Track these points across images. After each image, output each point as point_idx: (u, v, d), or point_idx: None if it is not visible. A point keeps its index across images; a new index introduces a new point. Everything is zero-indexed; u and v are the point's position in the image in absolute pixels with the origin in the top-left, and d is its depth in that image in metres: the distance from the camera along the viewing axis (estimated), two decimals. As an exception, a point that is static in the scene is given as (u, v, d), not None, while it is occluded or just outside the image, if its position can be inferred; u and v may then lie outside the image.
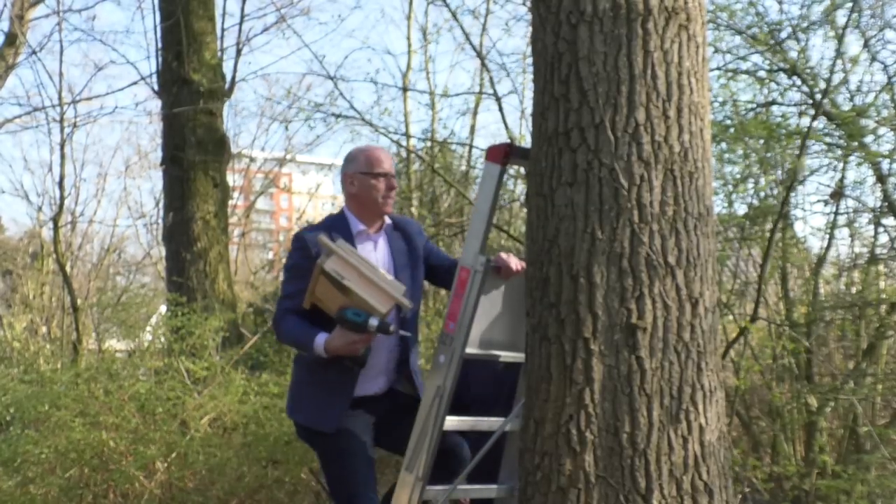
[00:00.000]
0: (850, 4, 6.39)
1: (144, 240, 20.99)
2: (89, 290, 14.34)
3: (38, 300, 14.10)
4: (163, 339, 7.77)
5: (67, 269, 11.34)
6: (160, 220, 13.81)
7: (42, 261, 14.71)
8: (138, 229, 21.89)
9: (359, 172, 3.83)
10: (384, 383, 3.87)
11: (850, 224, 6.98)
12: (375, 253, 3.84)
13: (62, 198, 11.17)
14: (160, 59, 9.76)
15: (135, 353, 8.46)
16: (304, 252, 3.70)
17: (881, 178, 6.41)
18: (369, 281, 3.50)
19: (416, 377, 3.91)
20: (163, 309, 11.45)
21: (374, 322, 3.49)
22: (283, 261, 19.62)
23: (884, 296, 6.61)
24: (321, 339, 3.59)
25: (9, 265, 17.26)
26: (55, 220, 10.68)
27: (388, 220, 3.93)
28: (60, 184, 11.06)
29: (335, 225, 3.84)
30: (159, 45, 9.74)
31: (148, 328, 11.53)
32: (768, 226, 6.61)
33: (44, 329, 13.55)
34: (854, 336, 6.61)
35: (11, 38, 13.84)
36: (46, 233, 15.61)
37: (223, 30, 10.48)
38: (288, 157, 19.46)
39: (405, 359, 3.88)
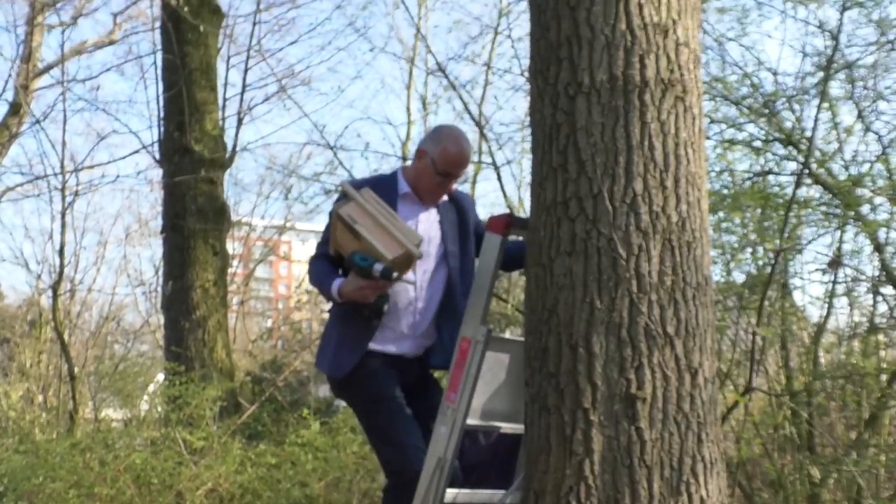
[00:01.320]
0: (842, 76, 6.47)
1: (143, 308, 20.93)
2: (87, 359, 14.27)
3: (35, 368, 14.03)
4: (160, 409, 7.73)
5: (65, 337, 11.31)
6: (159, 288, 13.80)
7: (40, 329, 14.67)
8: (137, 297, 21.86)
9: (430, 157, 3.81)
10: (411, 347, 3.82)
11: (848, 293, 6.99)
12: (420, 218, 3.84)
13: (62, 266, 11.19)
14: (162, 128, 9.86)
15: (131, 423, 8.40)
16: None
17: (878, 247, 6.43)
18: (382, 228, 3.50)
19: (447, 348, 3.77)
20: (160, 377, 11.40)
21: (378, 268, 3.47)
22: (283, 329, 19.56)
23: (884, 365, 6.59)
24: (337, 283, 3.63)
25: (6, 333, 17.19)
26: (54, 287, 10.69)
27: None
28: (61, 252, 11.10)
29: (382, 181, 3.87)
30: (161, 114, 9.85)
31: (145, 397, 11.46)
32: (768, 294, 6.61)
33: (40, 398, 13.45)
34: (856, 406, 6.57)
35: (16, 108, 14.00)
36: (45, 300, 15.59)
37: (225, 99, 10.62)
38: (287, 224, 19.52)
39: (440, 326, 3.83)
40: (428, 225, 3.85)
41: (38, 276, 17.14)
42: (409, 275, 3.71)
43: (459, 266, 3.83)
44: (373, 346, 3.74)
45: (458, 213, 3.94)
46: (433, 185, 3.82)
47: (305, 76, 16.14)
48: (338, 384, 3.87)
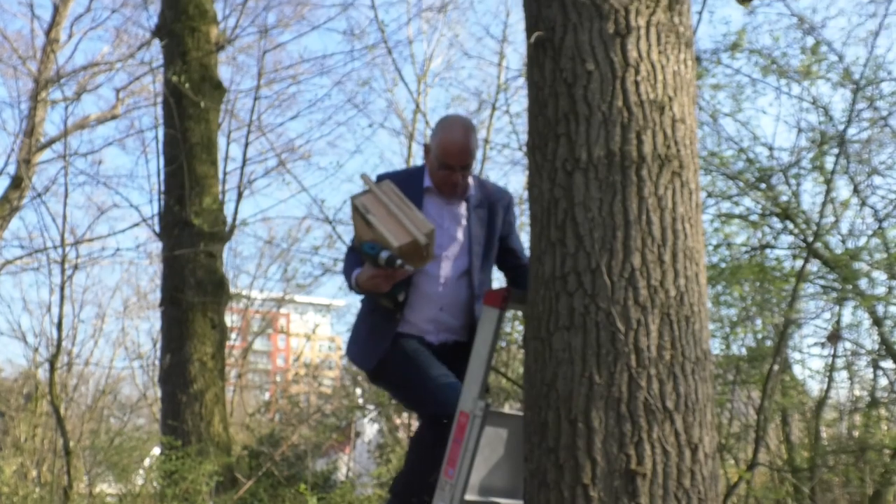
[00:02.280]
0: (837, 151, 6.54)
1: (140, 381, 20.84)
2: (82, 433, 14.15)
3: (29, 443, 13.90)
4: (156, 484, 7.64)
5: (61, 410, 11.22)
6: (157, 361, 13.75)
7: (36, 402, 14.57)
8: (134, 370, 21.74)
9: (432, 153, 3.82)
10: (435, 339, 3.83)
11: (848, 367, 6.97)
12: (446, 214, 3.83)
13: (59, 339, 11.15)
14: (162, 201, 9.91)
15: (127, 498, 8.30)
16: None
17: (877, 321, 6.43)
18: (394, 217, 3.51)
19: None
20: (157, 452, 11.29)
21: (384, 255, 3.48)
22: (280, 402, 19.42)
23: (887, 440, 6.54)
24: (356, 273, 3.65)
25: (2, 407, 17.08)
26: (52, 361, 10.64)
27: (470, 190, 3.89)
28: (59, 325, 11.06)
29: (410, 175, 3.89)
30: (162, 188, 9.91)
31: (141, 472, 11.34)
32: (767, 367, 6.59)
33: (34, 473, 13.31)
34: (859, 482, 6.51)
35: (17, 182, 14.10)
36: (42, 374, 15.51)
37: (225, 173, 10.69)
38: (286, 297, 19.52)
39: (467, 312, 3.83)
40: (454, 221, 3.85)
41: (36, 349, 17.09)
42: (431, 267, 3.71)
43: (480, 266, 3.83)
44: (400, 330, 3.77)
45: (489, 211, 3.92)
46: (440, 178, 3.81)
47: (305, 151, 16.28)
48: (370, 374, 3.91)
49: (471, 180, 3.90)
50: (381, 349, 3.75)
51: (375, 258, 3.51)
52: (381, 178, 3.81)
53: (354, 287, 3.68)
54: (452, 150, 3.76)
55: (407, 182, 3.77)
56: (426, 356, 3.71)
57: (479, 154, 11.73)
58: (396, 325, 3.75)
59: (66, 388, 15.26)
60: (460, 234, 3.84)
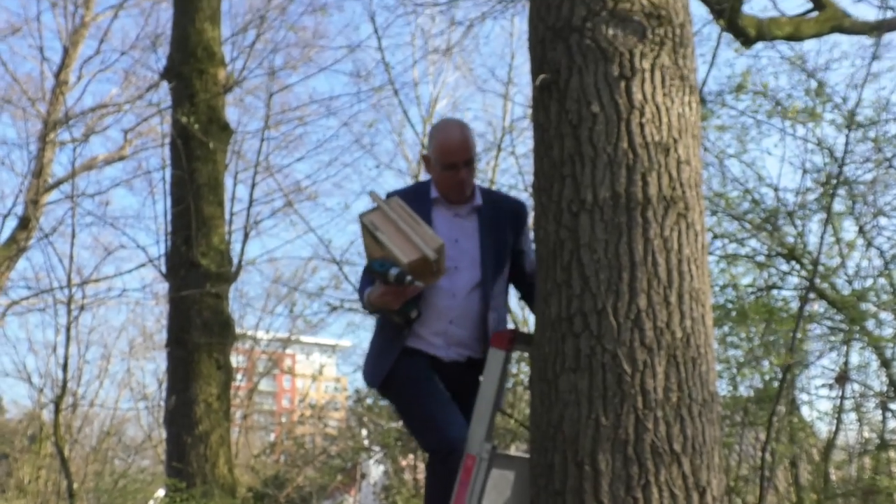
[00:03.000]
0: (843, 192, 6.55)
1: (145, 422, 20.77)
2: (86, 474, 14.09)
3: (33, 485, 13.85)
4: (159, 526, 7.59)
5: (66, 452, 11.17)
6: (162, 403, 13.71)
7: (40, 444, 14.53)
8: (139, 411, 21.68)
9: (433, 159, 3.82)
10: (446, 353, 3.75)
11: (857, 409, 6.93)
12: (455, 225, 3.81)
13: (65, 380, 11.12)
14: (169, 242, 9.93)
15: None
16: None
17: (885, 363, 6.41)
18: (402, 234, 3.50)
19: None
20: (161, 494, 11.23)
21: (393, 272, 3.46)
22: (286, 444, 19.34)
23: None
24: (367, 291, 3.65)
25: (6, 448, 17.02)
26: (57, 402, 10.60)
27: (478, 200, 3.86)
28: (64, 366, 11.04)
29: (417, 189, 3.91)
30: (169, 229, 9.93)
31: (144, 514, 11.27)
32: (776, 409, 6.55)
33: (38, 515, 13.24)
34: (869, 526, 6.45)
35: (25, 223, 14.15)
36: (46, 415, 15.48)
37: (231, 214, 10.72)
38: (291, 338, 19.49)
39: (479, 325, 3.75)
40: (464, 233, 3.82)
41: (41, 390, 17.07)
42: (443, 282, 3.67)
43: (493, 277, 3.77)
44: (409, 344, 3.72)
45: (497, 220, 3.87)
46: (446, 181, 3.79)
47: (311, 191, 16.39)
48: (379, 389, 3.89)
49: (478, 191, 3.89)
50: (388, 363, 3.72)
51: (385, 275, 3.49)
52: (389, 195, 3.80)
53: (367, 305, 3.68)
54: (451, 146, 3.76)
55: (414, 196, 3.77)
56: (431, 385, 3.65)
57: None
58: (405, 340, 3.71)
59: (71, 430, 15.21)
60: (471, 246, 3.80)
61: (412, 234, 3.52)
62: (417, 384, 3.67)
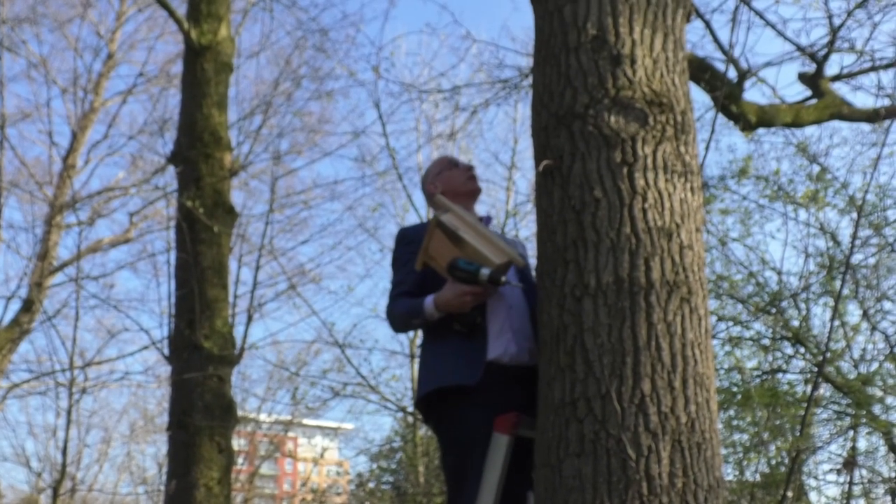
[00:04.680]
0: (847, 276, 6.56)
1: (145, 507, 20.49)
2: (84, 561, 13.85)
3: (30, 571, 13.61)
4: None
5: (64, 538, 11.02)
6: (162, 487, 13.55)
7: (38, 529, 14.32)
8: (139, 496, 21.40)
9: (437, 175, 3.89)
10: (510, 346, 3.58)
11: (865, 495, 6.85)
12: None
13: (64, 464, 11.04)
14: (172, 325, 9.92)
15: None
16: (406, 242, 3.75)
17: (893, 448, 6.35)
18: (484, 235, 3.46)
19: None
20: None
21: (485, 272, 3.38)
22: None
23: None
24: (431, 297, 3.50)
25: (3, 534, 16.77)
26: (55, 487, 10.51)
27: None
28: (64, 449, 10.97)
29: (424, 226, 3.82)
30: (172, 311, 9.93)
31: None
32: (781, 494, 6.48)
33: None
34: None
35: (28, 305, 14.16)
36: (44, 500, 15.29)
37: (235, 296, 10.73)
38: (294, 420, 19.34)
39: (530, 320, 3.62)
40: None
41: (39, 475, 16.89)
42: (512, 280, 3.57)
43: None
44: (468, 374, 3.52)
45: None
46: (460, 176, 3.91)
47: (315, 274, 16.40)
48: (432, 415, 3.69)
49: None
50: (475, 362, 3.52)
51: (475, 274, 3.41)
52: (403, 232, 3.85)
53: (430, 312, 3.52)
54: (448, 157, 4.01)
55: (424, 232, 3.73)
56: (480, 457, 3.45)
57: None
58: (484, 353, 3.53)
59: (69, 514, 15.01)
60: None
61: (491, 236, 3.51)
62: (473, 448, 3.47)
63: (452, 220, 3.53)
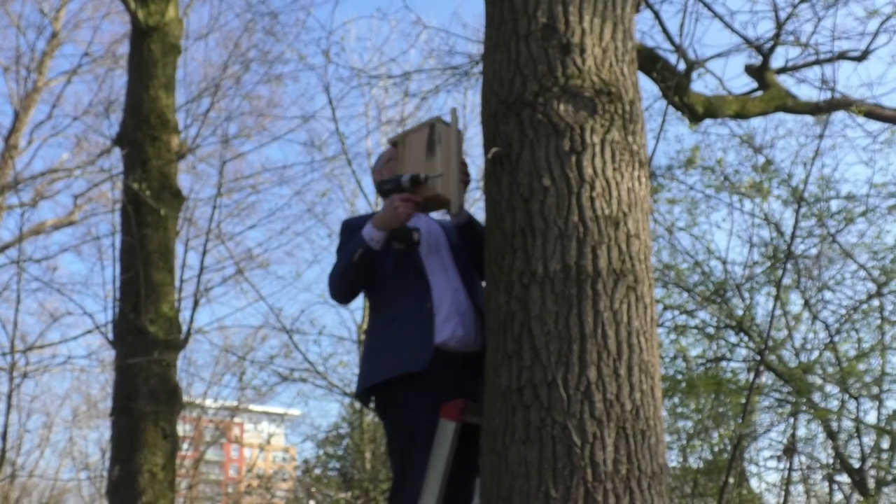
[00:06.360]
0: (789, 266, 6.66)
1: (87, 493, 20.27)
2: (24, 547, 13.67)
3: (-32, 558, 13.40)
4: None
5: (3, 524, 10.86)
6: (105, 473, 13.41)
7: (-24, 515, 14.09)
8: (81, 482, 21.15)
9: (387, 162, 3.85)
10: (457, 330, 3.57)
11: (804, 480, 6.98)
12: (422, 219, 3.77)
13: (4, 450, 10.84)
14: (117, 309, 9.80)
15: None
16: (349, 231, 3.71)
17: (832, 435, 6.47)
18: (453, 171, 3.43)
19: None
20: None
21: (406, 177, 3.43)
22: None
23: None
24: (368, 226, 3.50)
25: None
26: (-6, 473, 10.33)
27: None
28: (3, 435, 10.78)
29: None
30: (117, 295, 9.80)
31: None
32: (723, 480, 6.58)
33: None
34: None
35: (-33, 288, 13.89)
36: (-17, 485, 15.04)
37: (182, 281, 10.61)
38: (240, 406, 19.22)
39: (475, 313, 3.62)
40: (431, 224, 3.83)
41: (-22, 460, 16.60)
42: (434, 274, 3.61)
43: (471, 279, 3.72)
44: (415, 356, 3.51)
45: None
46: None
47: (263, 259, 16.30)
48: (379, 403, 3.68)
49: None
50: (420, 347, 3.50)
51: (398, 181, 3.45)
52: (347, 222, 3.82)
53: (370, 239, 3.50)
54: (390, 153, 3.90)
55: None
56: (426, 446, 3.46)
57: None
58: (432, 338, 3.51)
59: (8, 500, 14.80)
60: (443, 240, 3.80)
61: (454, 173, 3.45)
62: (415, 439, 3.49)
63: (449, 137, 3.48)
